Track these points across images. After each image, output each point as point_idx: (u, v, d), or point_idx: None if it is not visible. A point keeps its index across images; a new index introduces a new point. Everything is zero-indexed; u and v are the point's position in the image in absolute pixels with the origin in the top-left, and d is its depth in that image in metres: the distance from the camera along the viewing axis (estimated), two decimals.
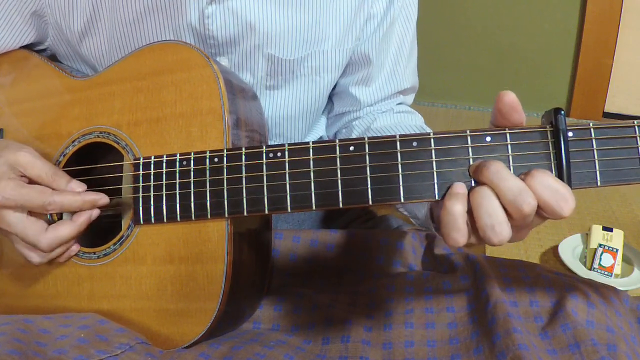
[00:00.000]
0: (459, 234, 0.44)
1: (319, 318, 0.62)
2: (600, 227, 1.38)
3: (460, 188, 0.46)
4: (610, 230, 1.37)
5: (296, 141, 0.82)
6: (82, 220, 0.58)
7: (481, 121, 2.43)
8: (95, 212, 0.59)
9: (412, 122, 0.81)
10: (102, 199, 0.59)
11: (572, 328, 0.55)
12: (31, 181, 0.58)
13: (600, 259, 1.33)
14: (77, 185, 0.59)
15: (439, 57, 2.49)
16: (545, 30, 2.34)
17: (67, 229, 0.58)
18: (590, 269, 1.34)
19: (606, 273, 1.32)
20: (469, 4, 2.41)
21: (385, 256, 0.70)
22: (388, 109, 0.82)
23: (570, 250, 1.42)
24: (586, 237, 1.41)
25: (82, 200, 0.58)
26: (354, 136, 0.81)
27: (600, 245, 1.34)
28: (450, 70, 2.54)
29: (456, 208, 0.44)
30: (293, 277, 0.69)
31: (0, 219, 0.57)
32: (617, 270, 1.32)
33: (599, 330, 0.55)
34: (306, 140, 0.85)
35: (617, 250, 1.33)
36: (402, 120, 0.81)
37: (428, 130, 0.80)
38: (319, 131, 0.86)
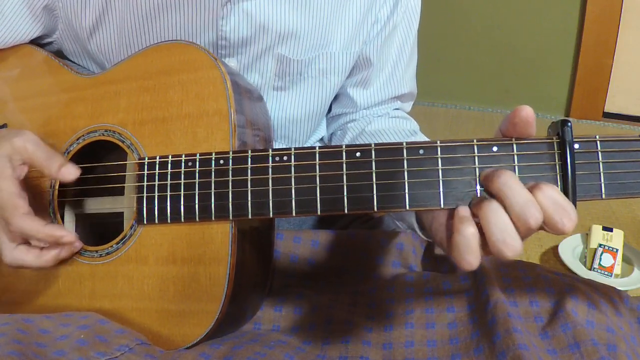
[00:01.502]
0: (474, 256, 0.44)
1: (319, 318, 0.62)
2: (600, 227, 1.39)
3: (465, 211, 0.46)
4: (610, 230, 1.38)
5: (300, 142, 0.82)
6: (46, 258, 0.57)
7: (481, 121, 2.43)
8: (64, 253, 0.58)
9: (405, 127, 0.81)
10: (67, 237, 0.57)
11: (572, 328, 0.55)
12: (30, 167, 0.58)
13: (600, 259, 1.33)
14: (71, 170, 0.58)
15: (439, 57, 2.49)
16: (545, 30, 2.34)
17: (31, 258, 0.57)
18: (590, 269, 1.34)
19: (606, 273, 1.32)
20: (469, 4, 2.41)
21: (385, 257, 0.70)
22: (384, 113, 0.82)
23: (570, 250, 1.42)
24: (586, 237, 1.41)
25: (42, 232, 0.56)
26: (347, 138, 0.82)
27: (600, 245, 1.35)
28: (450, 70, 2.54)
29: (469, 230, 0.44)
30: (293, 277, 0.69)
31: None
32: (617, 270, 1.32)
33: (599, 330, 0.56)
34: (309, 141, 0.85)
35: (617, 250, 1.33)
36: (396, 125, 0.81)
37: (420, 135, 0.81)
38: (321, 132, 0.86)
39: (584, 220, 1.59)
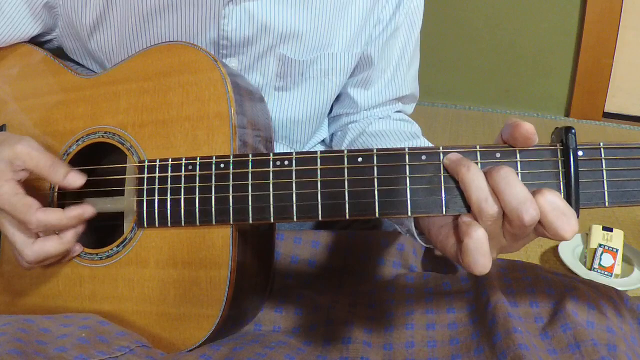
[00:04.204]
0: (486, 258, 0.43)
1: (319, 319, 0.62)
2: (600, 227, 1.39)
3: (469, 216, 0.45)
4: (610, 230, 1.38)
5: (302, 143, 0.82)
6: (68, 237, 0.57)
7: (481, 121, 2.43)
8: (80, 228, 0.58)
9: (406, 129, 0.81)
10: (87, 211, 0.57)
11: (572, 328, 0.55)
12: (31, 174, 0.57)
13: (600, 259, 1.33)
14: (77, 177, 0.57)
15: (439, 57, 2.49)
16: (545, 30, 2.34)
17: (53, 244, 0.57)
18: (590, 269, 1.34)
19: (606, 273, 1.32)
20: (469, 4, 2.41)
21: (385, 257, 0.70)
22: (385, 115, 0.82)
23: (570, 250, 1.42)
24: (586, 237, 1.41)
25: (66, 218, 0.56)
26: (347, 139, 0.81)
27: (600, 245, 1.35)
28: (450, 70, 2.54)
29: (479, 232, 0.43)
30: (294, 278, 0.69)
31: None
32: (617, 270, 1.32)
33: (599, 330, 0.56)
34: (311, 142, 0.85)
35: (617, 250, 1.33)
36: (398, 127, 0.81)
37: (423, 139, 0.80)
38: (322, 133, 0.86)
39: (584, 221, 1.59)
